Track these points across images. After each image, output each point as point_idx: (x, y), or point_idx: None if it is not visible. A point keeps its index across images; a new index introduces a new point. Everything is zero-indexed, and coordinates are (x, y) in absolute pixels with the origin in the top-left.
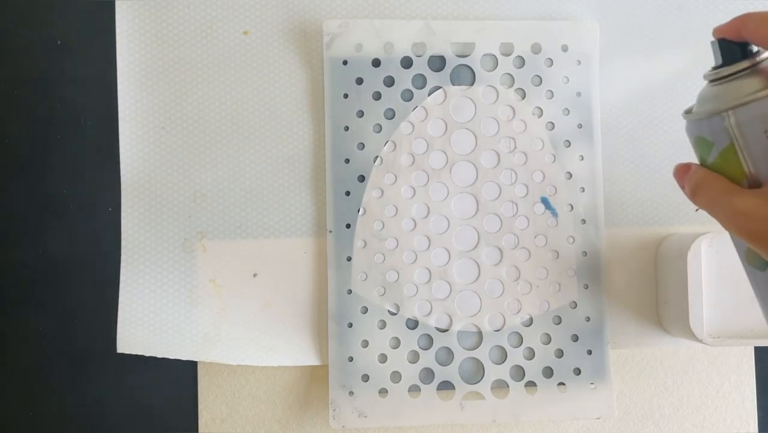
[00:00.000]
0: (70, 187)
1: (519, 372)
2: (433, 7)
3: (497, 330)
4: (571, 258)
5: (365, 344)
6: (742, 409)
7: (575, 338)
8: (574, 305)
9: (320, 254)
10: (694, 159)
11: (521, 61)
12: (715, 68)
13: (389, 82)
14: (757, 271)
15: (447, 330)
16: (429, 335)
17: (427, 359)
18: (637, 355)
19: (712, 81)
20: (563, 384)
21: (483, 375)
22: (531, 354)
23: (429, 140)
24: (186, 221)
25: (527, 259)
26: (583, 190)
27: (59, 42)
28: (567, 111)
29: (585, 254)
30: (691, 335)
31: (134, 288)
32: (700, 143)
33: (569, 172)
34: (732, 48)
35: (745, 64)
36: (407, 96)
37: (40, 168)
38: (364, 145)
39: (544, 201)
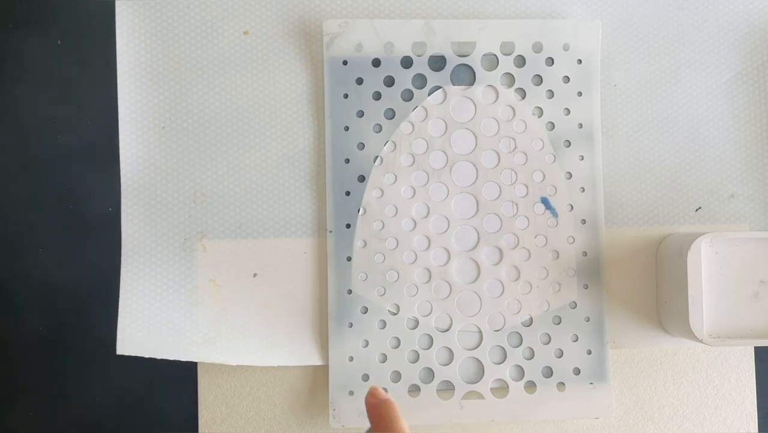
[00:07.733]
0: (70, 187)
1: (519, 372)
2: (433, 7)
3: (497, 330)
4: (571, 258)
5: (365, 344)
6: (742, 409)
7: (575, 338)
8: (574, 305)
9: (320, 254)
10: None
11: (522, 61)
12: None
13: (389, 82)
14: None
15: (447, 330)
16: (429, 335)
17: (427, 359)
18: (637, 355)
19: None
20: (563, 384)
21: (483, 375)
22: (531, 354)
23: (429, 140)
24: (186, 221)
25: (527, 259)
26: (583, 190)
27: (59, 42)
28: (567, 111)
29: (585, 254)
30: (691, 335)
31: (134, 288)
32: None
33: (569, 172)
34: None
35: None
36: (407, 96)
37: (40, 168)
38: (364, 145)
39: (544, 201)
